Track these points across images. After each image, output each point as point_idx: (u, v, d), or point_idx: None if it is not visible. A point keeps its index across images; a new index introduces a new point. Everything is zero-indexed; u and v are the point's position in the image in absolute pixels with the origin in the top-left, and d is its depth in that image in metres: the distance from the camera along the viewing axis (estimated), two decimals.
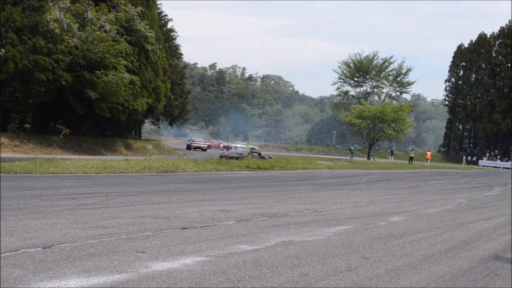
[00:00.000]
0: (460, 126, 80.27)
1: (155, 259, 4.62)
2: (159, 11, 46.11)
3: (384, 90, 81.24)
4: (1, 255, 4.37)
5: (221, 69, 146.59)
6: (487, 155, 68.76)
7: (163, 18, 49.31)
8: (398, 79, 78.34)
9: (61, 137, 27.33)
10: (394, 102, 69.24)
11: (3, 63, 23.46)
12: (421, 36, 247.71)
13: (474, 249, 6.37)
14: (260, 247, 5.48)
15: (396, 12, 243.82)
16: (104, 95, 26.95)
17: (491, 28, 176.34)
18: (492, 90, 70.06)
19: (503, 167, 57.47)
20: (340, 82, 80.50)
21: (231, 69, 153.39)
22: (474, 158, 69.99)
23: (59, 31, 25.02)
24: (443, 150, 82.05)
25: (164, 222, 6.64)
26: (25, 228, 5.56)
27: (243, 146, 61.22)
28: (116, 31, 28.99)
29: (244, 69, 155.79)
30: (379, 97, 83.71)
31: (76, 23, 26.44)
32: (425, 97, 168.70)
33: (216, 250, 5.18)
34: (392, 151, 56.56)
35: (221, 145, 61.86)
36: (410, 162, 47.88)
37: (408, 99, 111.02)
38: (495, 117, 67.01)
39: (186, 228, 6.30)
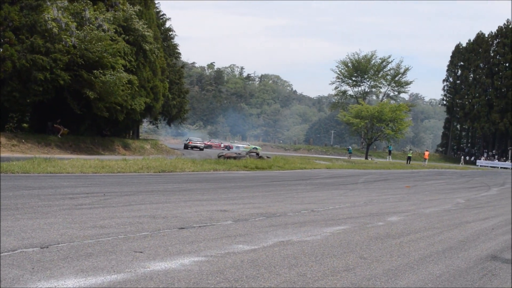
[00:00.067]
0: (458, 126, 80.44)
1: (152, 259, 4.62)
2: (157, 10, 46.08)
3: (382, 90, 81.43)
4: (0, 255, 4.36)
5: (219, 68, 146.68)
6: (485, 155, 68.89)
7: (161, 17, 49.28)
8: (396, 78, 78.42)
9: (59, 136, 27.28)
10: (392, 101, 69.39)
11: (1, 63, 23.41)
12: (420, 36, 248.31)
13: (472, 249, 6.38)
14: (258, 247, 5.48)
15: (394, 12, 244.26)
16: (102, 95, 26.92)
17: (490, 28, 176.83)
18: (490, 89, 70.22)
19: (501, 167, 57.60)
20: (338, 81, 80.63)
21: (229, 68, 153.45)
22: (472, 158, 70.12)
23: (57, 30, 24.98)
24: (441, 150, 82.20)
25: (162, 222, 6.64)
26: (23, 228, 5.55)
27: (245, 146, 60.44)
28: (114, 30, 28.96)
29: (242, 68, 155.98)
30: (377, 96, 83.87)
31: (74, 22, 26.41)
32: (423, 97, 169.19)
33: (214, 250, 5.18)
34: (390, 151, 56.63)
35: (222, 145, 61.77)
36: (408, 162, 47.95)
37: (406, 99, 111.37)
38: (493, 117, 67.14)
39: (184, 228, 6.30)
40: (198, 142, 52.95)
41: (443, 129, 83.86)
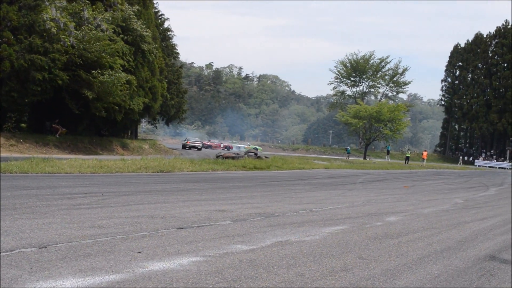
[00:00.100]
0: (456, 126, 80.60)
1: (151, 259, 4.61)
2: (156, 10, 46.09)
3: (381, 90, 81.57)
4: None
5: (217, 68, 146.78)
6: (483, 155, 69.01)
7: (160, 17, 49.30)
8: (395, 79, 78.55)
9: (57, 136, 27.24)
10: (391, 102, 69.54)
11: None
12: (419, 36, 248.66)
13: (470, 249, 6.39)
14: (256, 247, 5.48)
15: (394, 12, 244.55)
16: (101, 95, 26.90)
17: (489, 28, 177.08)
18: (488, 90, 70.36)
19: (499, 167, 57.70)
20: (337, 81, 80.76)
21: (227, 68, 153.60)
22: (470, 158, 70.22)
23: (55, 30, 24.94)
24: (439, 150, 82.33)
25: (160, 222, 6.63)
26: (21, 228, 5.54)
27: (245, 146, 59.71)
28: (112, 30, 28.93)
29: (240, 68, 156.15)
30: (376, 97, 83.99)
31: (72, 22, 26.38)
32: (422, 97, 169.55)
33: (212, 250, 5.18)
34: (388, 151, 56.65)
35: (222, 145, 61.75)
36: (407, 162, 48.00)
37: (405, 99, 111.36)
38: (491, 117, 67.27)
39: (182, 228, 6.29)
40: (196, 142, 52.99)
41: (442, 129, 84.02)
